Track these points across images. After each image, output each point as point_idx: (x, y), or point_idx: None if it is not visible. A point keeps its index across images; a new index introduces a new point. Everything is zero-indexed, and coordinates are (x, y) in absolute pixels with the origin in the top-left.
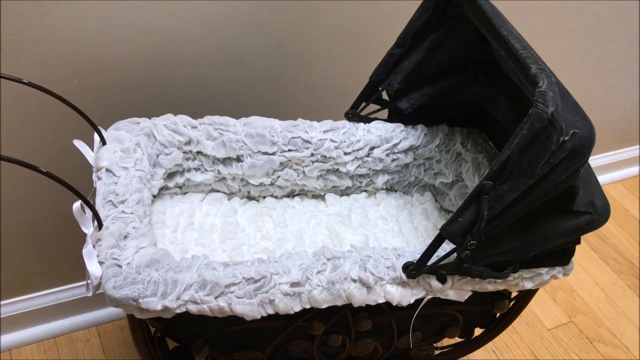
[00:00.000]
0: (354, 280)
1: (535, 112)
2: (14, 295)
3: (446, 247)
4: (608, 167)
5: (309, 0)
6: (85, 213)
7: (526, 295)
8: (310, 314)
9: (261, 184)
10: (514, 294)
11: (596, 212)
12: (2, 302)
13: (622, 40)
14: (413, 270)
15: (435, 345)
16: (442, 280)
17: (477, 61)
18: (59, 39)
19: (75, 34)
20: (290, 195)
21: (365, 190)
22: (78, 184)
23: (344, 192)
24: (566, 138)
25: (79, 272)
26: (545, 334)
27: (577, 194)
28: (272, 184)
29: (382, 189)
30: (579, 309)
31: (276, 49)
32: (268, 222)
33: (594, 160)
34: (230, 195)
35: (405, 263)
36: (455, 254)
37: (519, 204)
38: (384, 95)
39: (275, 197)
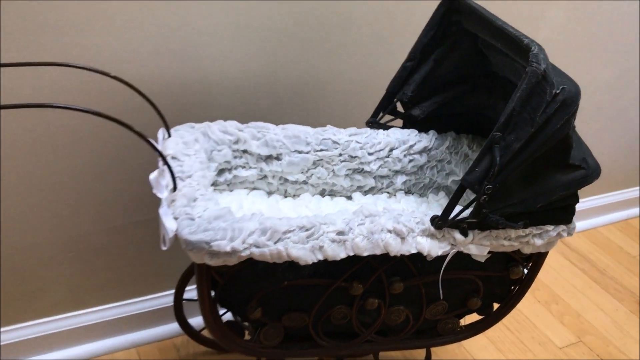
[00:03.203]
0: (390, 231)
1: (531, 70)
2: (61, 312)
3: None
4: (600, 209)
5: (330, 35)
6: (159, 181)
7: (536, 262)
8: (351, 272)
9: (297, 182)
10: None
11: (589, 168)
12: (52, 318)
13: (602, 85)
14: (439, 221)
15: (459, 321)
16: (464, 234)
17: (475, 74)
18: (121, 61)
19: (138, 56)
20: (322, 194)
21: (386, 192)
22: (142, 172)
23: (368, 193)
24: (557, 91)
25: (123, 290)
26: (557, 352)
27: (571, 146)
28: (305, 182)
29: (401, 189)
30: (586, 330)
31: (302, 77)
32: (305, 210)
33: (588, 202)
34: (270, 193)
35: (433, 216)
36: (475, 206)
37: (525, 152)
38: (399, 107)
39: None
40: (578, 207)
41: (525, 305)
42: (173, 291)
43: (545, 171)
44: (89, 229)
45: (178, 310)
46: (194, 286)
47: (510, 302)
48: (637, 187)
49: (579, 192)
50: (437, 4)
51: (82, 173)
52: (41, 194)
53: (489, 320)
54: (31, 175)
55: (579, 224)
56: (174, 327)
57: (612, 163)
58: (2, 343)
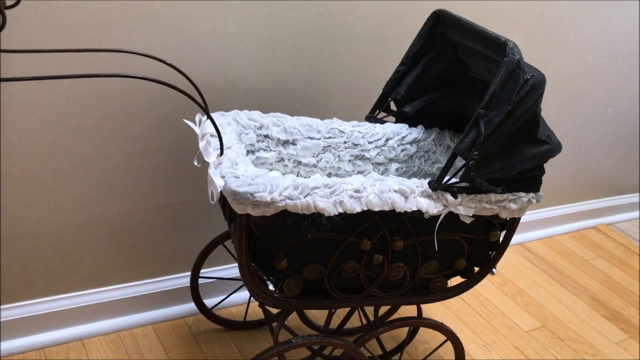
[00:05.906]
0: (396, 191)
1: (509, 60)
2: (88, 287)
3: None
4: (556, 220)
5: (332, 45)
6: (207, 148)
7: (511, 228)
8: (362, 228)
9: (308, 164)
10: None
11: (552, 143)
12: (79, 293)
13: (555, 104)
14: (435, 183)
15: (447, 281)
16: (455, 196)
17: (455, 78)
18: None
19: (177, 55)
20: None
21: None
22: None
23: None
24: (528, 77)
25: (143, 270)
26: (524, 334)
27: (539, 124)
28: (315, 165)
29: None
30: (548, 317)
31: (309, 79)
32: None
33: (546, 212)
34: (284, 175)
35: (429, 180)
36: (464, 170)
37: (503, 126)
38: (392, 106)
39: None
40: (537, 217)
41: (495, 297)
42: (187, 274)
43: (518, 145)
44: (122, 209)
45: (194, 289)
46: (208, 269)
47: (488, 265)
48: (589, 201)
49: (542, 188)
50: (424, 19)
51: (120, 159)
52: (84, 176)
53: (471, 281)
54: (75, 159)
55: (538, 232)
56: (186, 307)
57: (565, 178)
58: (35, 314)
